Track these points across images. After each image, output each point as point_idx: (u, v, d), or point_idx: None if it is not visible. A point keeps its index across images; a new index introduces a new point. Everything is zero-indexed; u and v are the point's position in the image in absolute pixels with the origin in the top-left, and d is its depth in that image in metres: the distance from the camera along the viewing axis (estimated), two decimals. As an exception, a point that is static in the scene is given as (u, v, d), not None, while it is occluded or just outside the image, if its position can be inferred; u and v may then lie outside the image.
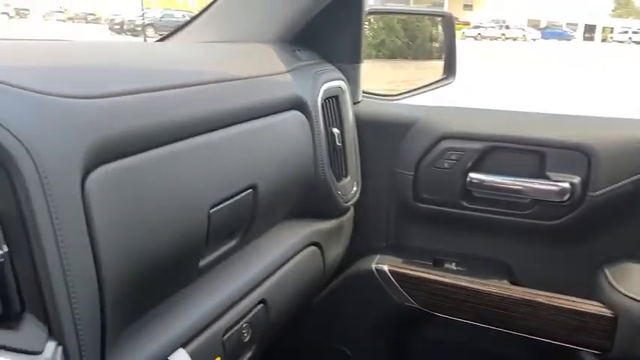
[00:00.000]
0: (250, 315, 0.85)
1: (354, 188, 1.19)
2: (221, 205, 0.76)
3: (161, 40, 1.21)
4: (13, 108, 0.49)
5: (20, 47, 0.64)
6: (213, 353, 0.77)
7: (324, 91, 1.07)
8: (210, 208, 0.74)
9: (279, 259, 0.96)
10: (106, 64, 0.69)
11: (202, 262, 0.78)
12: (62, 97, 0.55)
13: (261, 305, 0.89)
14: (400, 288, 1.18)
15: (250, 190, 0.83)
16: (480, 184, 1.16)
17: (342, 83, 1.16)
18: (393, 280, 1.18)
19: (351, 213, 1.23)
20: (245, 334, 0.84)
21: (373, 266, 1.21)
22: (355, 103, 1.24)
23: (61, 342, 0.50)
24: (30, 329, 0.48)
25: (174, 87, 0.72)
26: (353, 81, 1.23)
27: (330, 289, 1.26)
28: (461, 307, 1.13)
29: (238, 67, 0.91)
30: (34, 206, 0.47)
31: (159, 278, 0.69)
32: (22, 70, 0.55)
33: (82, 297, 0.52)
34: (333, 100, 1.11)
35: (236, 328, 0.82)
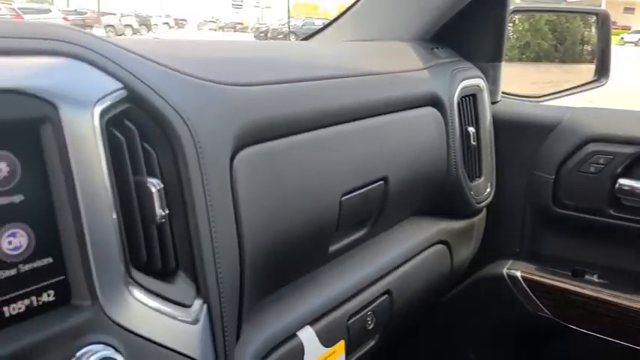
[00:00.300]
0: (375, 304, 0.87)
1: (488, 189, 1.15)
2: (352, 194, 0.79)
3: (304, 40, 1.27)
4: (180, 90, 0.55)
5: (187, 44, 0.73)
6: (337, 335, 0.80)
7: (461, 89, 1.05)
8: (342, 196, 0.77)
9: (405, 253, 0.96)
10: (256, 57, 0.76)
11: (332, 248, 0.81)
12: (219, 83, 0.62)
13: (386, 296, 0.90)
14: (533, 296, 1.12)
15: (381, 182, 0.85)
16: (632, 192, 1.07)
17: (480, 82, 1.13)
18: (526, 287, 1.13)
19: (483, 214, 1.20)
20: (369, 322, 0.86)
21: (505, 271, 1.16)
22: (494, 102, 1.21)
23: (206, 300, 0.55)
24: (182, 285, 0.54)
25: (315, 79, 0.76)
26: (492, 80, 1.19)
27: (458, 290, 1.24)
28: (601, 322, 1.04)
29: (375, 62, 0.94)
30: (191, 175, 0.53)
31: (293, 257, 0.73)
32: (188, 60, 0.62)
33: (225, 264, 0.57)
34: (470, 99, 1.09)
35: (361, 314, 0.84)
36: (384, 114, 0.87)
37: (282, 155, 0.67)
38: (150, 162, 0.51)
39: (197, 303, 0.54)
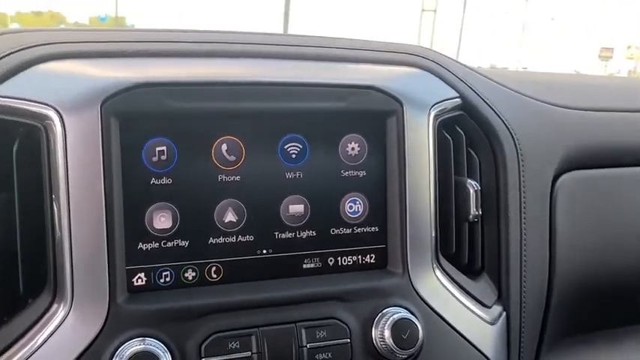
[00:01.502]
0: None
1: None
2: None
3: None
4: (510, 104, 0.59)
5: (519, 72, 0.76)
6: None
7: None
8: None
9: None
10: (591, 84, 0.74)
11: None
12: (548, 104, 0.63)
13: None
14: None
15: None
16: None
17: None
18: None
19: None
20: None
21: None
22: None
23: (505, 309, 0.56)
24: (484, 286, 0.56)
25: None
26: None
27: None
28: None
29: None
30: (509, 184, 0.56)
31: (611, 300, 0.67)
32: (520, 81, 0.66)
33: (531, 278, 0.57)
34: None
35: None
36: None
37: (610, 186, 0.64)
38: (471, 165, 0.56)
39: (496, 308, 0.56)
